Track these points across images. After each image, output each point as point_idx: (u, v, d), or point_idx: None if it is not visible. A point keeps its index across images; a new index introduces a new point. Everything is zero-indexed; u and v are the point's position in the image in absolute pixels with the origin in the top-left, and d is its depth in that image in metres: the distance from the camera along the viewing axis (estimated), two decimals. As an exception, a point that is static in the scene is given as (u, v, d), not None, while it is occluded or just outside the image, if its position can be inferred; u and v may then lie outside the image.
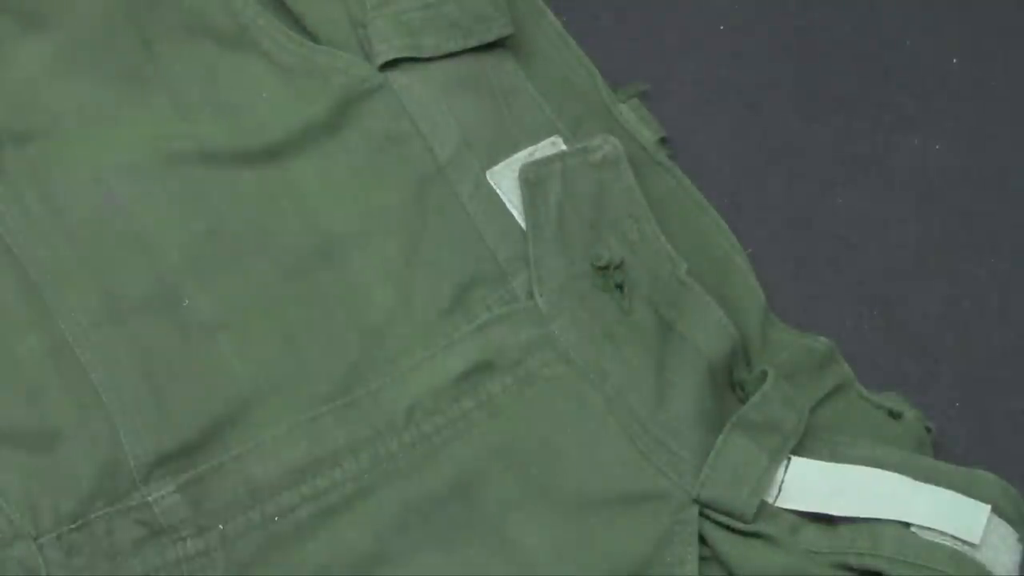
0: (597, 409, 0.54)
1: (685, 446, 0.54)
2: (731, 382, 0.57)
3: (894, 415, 0.58)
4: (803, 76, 0.67)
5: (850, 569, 0.52)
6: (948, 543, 0.52)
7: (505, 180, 0.58)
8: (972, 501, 0.52)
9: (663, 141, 0.64)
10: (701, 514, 0.53)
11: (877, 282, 0.63)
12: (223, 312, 0.54)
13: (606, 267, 0.56)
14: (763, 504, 0.53)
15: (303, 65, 0.59)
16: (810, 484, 0.53)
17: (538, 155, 0.59)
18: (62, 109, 0.57)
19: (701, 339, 0.56)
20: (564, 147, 0.59)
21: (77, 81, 0.58)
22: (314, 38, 0.60)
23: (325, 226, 0.56)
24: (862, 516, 0.52)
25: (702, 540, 0.53)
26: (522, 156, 0.59)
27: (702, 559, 0.53)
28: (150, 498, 0.50)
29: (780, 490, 0.53)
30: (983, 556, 0.52)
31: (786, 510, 0.53)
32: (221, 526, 0.51)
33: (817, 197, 0.64)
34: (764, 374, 0.56)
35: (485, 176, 0.58)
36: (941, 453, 0.58)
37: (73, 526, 0.50)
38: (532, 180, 0.57)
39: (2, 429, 0.51)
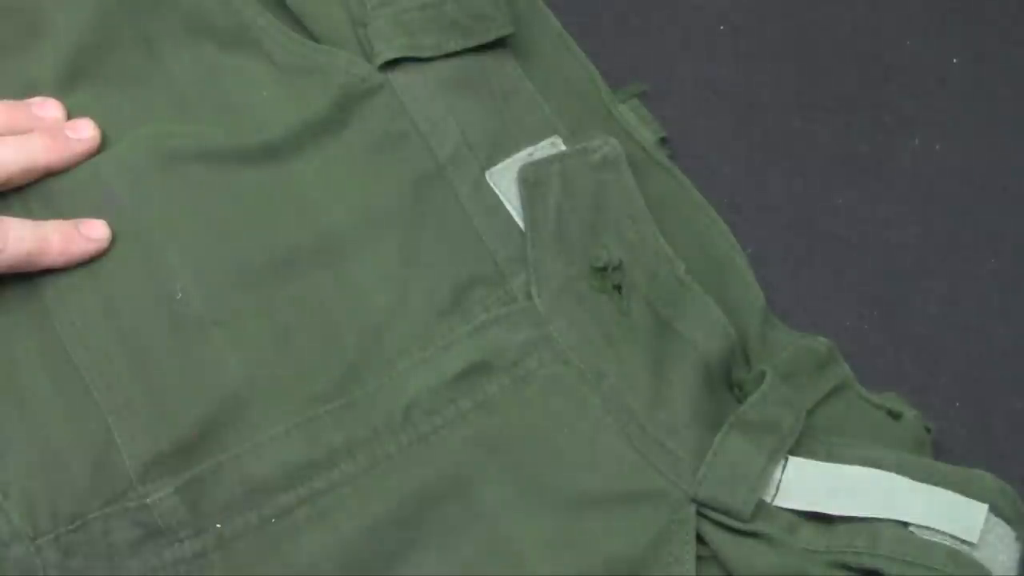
0: (594, 409, 0.54)
1: (682, 445, 0.54)
2: (729, 382, 0.57)
3: (894, 415, 0.58)
4: (803, 76, 0.67)
5: (848, 568, 0.52)
6: (946, 542, 0.52)
7: (504, 180, 0.58)
8: (970, 500, 0.52)
9: (663, 141, 0.64)
10: (699, 513, 0.53)
11: (877, 282, 0.63)
12: (217, 308, 0.53)
13: (604, 268, 0.56)
14: (761, 503, 0.53)
15: (303, 65, 0.59)
16: (808, 483, 0.53)
17: (537, 155, 0.59)
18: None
19: (699, 338, 0.56)
20: (563, 147, 0.59)
21: (79, 85, 0.58)
22: (314, 38, 0.60)
23: (324, 225, 0.56)
24: (860, 515, 0.52)
25: (700, 539, 0.53)
26: (521, 156, 0.59)
27: (700, 558, 0.53)
28: (148, 500, 0.50)
29: (778, 489, 0.53)
30: (981, 555, 0.52)
31: (784, 509, 0.53)
32: (218, 527, 0.51)
33: (817, 197, 0.64)
34: (762, 374, 0.56)
35: (484, 176, 0.58)
36: (941, 453, 0.58)
37: (71, 527, 0.50)
38: (531, 181, 0.57)
39: (1, 430, 0.51)
